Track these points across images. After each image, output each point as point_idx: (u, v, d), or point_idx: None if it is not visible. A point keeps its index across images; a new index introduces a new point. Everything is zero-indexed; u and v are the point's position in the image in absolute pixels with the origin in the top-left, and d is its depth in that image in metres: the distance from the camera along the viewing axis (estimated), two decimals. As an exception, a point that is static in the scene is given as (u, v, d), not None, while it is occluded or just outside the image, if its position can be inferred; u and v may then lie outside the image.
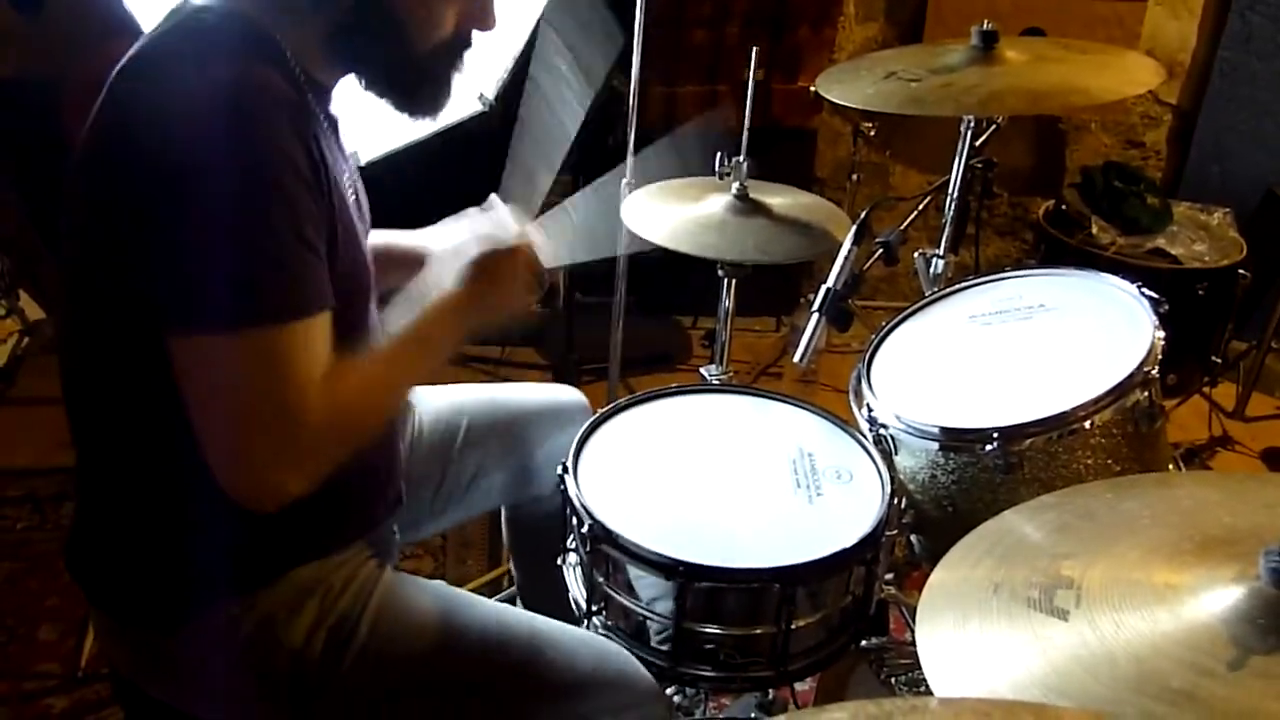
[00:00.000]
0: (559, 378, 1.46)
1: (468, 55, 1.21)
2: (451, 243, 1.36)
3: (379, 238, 1.41)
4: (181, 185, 0.98)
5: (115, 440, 1.14)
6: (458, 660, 1.21)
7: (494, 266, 1.28)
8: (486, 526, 2.35)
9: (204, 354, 1.01)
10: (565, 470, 1.36)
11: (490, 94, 1.88)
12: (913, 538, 1.58)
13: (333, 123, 1.19)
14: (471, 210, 1.44)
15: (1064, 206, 2.79)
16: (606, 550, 1.28)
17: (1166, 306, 1.44)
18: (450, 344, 1.24)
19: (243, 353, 1.00)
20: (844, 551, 1.25)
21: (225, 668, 1.17)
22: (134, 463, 1.14)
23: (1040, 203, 2.97)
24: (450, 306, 1.24)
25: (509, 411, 1.58)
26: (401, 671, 1.20)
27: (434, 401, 1.54)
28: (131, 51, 1.07)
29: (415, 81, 1.19)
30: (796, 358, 1.48)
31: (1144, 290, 1.49)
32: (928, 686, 0.85)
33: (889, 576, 1.55)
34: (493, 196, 1.42)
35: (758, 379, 2.97)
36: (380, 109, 1.22)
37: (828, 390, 2.79)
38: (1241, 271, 2.59)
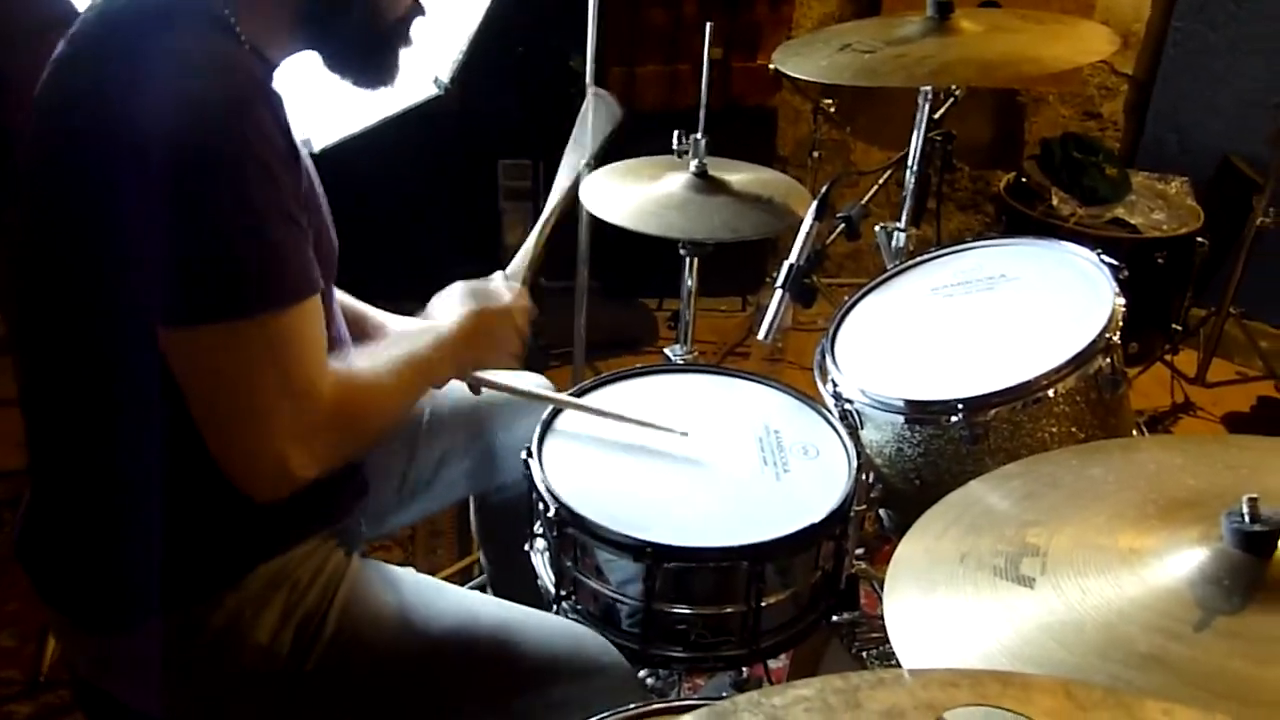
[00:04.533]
0: (525, 364, 1.44)
1: (419, 24, 1.21)
2: (447, 298, 1.38)
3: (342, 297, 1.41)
4: (161, 176, 0.96)
5: (72, 438, 1.12)
6: (427, 650, 1.20)
7: (489, 320, 1.32)
8: (455, 515, 2.33)
9: (205, 345, 1.00)
10: (529, 455, 1.34)
11: (445, 77, 1.86)
12: (881, 511, 1.58)
13: (279, 100, 1.16)
14: (458, 286, 1.43)
15: (1024, 179, 2.80)
16: (573, 534, 1.27)
17: (1126, 273, 1.45)
18: (443, 379, 1.30)
19: (244, 341, 1.00)
20: (812, 527, 1.24)
21: (189, 666, 1.15)
22: (90, 461, 1.12)
23: (1001, 175, 2.98)
24: (447, 347, 1.26)
25: (471, 398, 1.56)
26: (371, 663, 1.19)
27: None
28: (81, 32, 1.04)
29: (378, 55, 1.19)
30: (761, 334, 1.47)
31: (1103, 257, 1.49)
32: (897, 664, 0.85)
33: (859, 551, 1.55)
34: (497, 274, 1.47)
35: (724, 359, 2.96)
36: (327, 91, 1.21)
37: (795, 369, 2.79)
38: (1199, 239, 2.61)
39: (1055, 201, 2.70)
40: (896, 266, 1.70)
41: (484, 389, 1.43)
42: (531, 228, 1.55)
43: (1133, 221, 2.65)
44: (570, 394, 1.48)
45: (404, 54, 1.21)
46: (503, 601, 1.29)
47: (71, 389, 1.10)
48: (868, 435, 1.48)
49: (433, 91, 1.84)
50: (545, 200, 1.57)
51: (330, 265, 1.19)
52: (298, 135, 1.15)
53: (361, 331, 1.41)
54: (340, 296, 1.41)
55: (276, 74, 1.16)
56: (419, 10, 1.20)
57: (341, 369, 1.12)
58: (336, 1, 1.11)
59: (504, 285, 1.41)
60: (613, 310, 3.18)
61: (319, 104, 1.53)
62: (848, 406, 1.47)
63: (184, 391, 1.02)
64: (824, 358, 1.56)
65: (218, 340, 1.00)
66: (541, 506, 1.30)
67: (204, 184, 0.96)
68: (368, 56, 1.19)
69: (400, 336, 1.26)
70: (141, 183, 0.96)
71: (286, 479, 1.05)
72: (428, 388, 1.27)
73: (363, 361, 1.17)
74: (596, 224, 2.25)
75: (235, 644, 1.15)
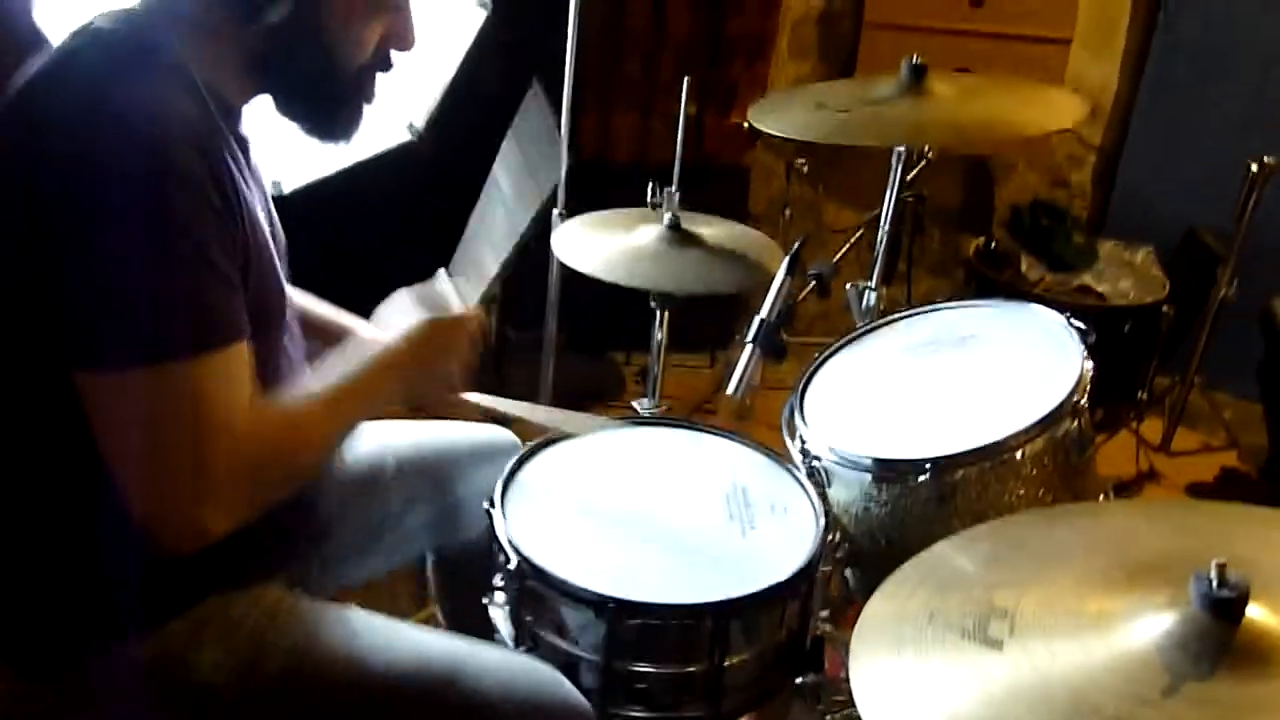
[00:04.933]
0: (489, 414, 1.44)
1: (383, 78, 1.20)
2: (394, 306, 1.34)
3: (299, 298, 1.39)
4: (83, 218, 0.96)
5: (4, 475, 1.10)
6: (376, 689, 1.17)
7: (439, 333, 1.27)
8: (414, 566, 2.29)
9: (114, 390, 0.99)
10: (492, 505, 1.33)
11: (419, 124, 1.87)
12: (847, 572, 1.57)
13: (243, 144, 1.16)
14: (403, 292, 1.41)
15: (994, 244, 2.85)
16: (534, 587, 1.25)
17: (1094, 336, 1.47)
18: (385, 402, 1.23)
19: (154, 388, 0.98)
20: (778, 585, 1.23)
21: (126, 707, 1.12)
22: (25, 497, 1.10)
23: (971, 240, 3.03)
24: (392, 364, 1.22)
25: (437, 450, 1.55)
26: (317, 704, 1.16)
27: (358, 439, 1.50)
28: (30, 75, 1.04)
29: (334, 105, 1.18)
30: (730, 389, 1.47)
31: (1072, 320, 1.51)
32: (865, 722, 0.84)
33: (824, 613, 1.54)
34: (440, 272, 1.42)
35: (692, 414, 2.95)
36: (298, 136, 1.20)
37: (763, 427, 2.78)
38: (1165, 308, 2.66)
39: (1024, 267, 2.75)
40: (867, 325, 1.72)
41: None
42: (500, 274, 1.53)
43: (1100, 289, 2.70)
44: (535, 445, 1.47)
45: (363, 108, 1.20)
46: (460, 638, 1.26)
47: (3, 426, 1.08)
48: (835, 493, 1.48)
49: (406, 138, 1.85)
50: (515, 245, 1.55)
51: (276, 314, 1.17)
52: (266, 178, 1.15)
53: (328, 339, 1.38)
54: (303, 305, 1.40)
55: (241, 117, 1.16)
56: (384, 66, 1.19)
57: (268, 408, 1.09)
58: (285, 50, 1.10)
59: (451, 291, 1.37)
60: (579, 363, 3.18)
61: (290, 146, 1.54)
62: (815, 464, 1.47)
63: (96, 437, 1.00)
64: (792, 414, 1.56)
65: (126, 386, 0.98)
66: (503, 558, 1.29)
67: (117, 227, 0.96)
68: (321, 107, 1.17)
69: (341, 359, 1.22)
70: (56, 223, 0.96)
71: (197, 534, 1.02)
72: (372, 412, 1.22)
73: (294, 396, 1.14)
74: (566, 276, 2.27)
75: (176, 681, 1.12)
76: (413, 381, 1.25)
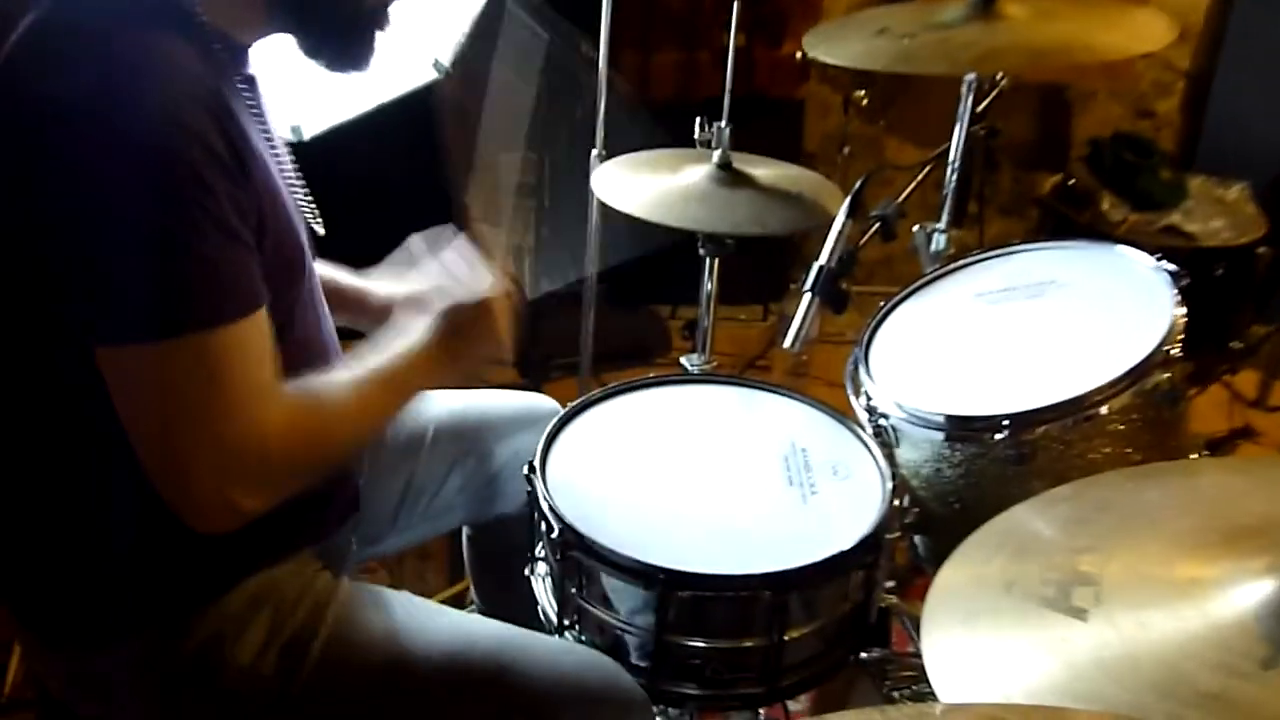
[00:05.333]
0: (524, 374, 1.45)
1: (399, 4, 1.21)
2: (407, 291, 1.36)
3: (326, 272, 1.41)
4: (88, 187, 0.97)
5: (38, 454, 1.13)
6: (420, 674, 1.20)
7: (464, 322, 1.28)
8: (447, 537, 2.33)
9: (134, 366, 1.01)
10: (532, 471, 1.34)
11: (446, 60, 1.87)
12: (916, 539, 1.57)
13: (251, 84, 1.17)
14: (415, 240, 1.42)
15: (1071, 181, 2.80)
16: (578, 558, 1.26)
17: (1187, 279, 1.44)
18: (421, 391, 1.26)
19: (169, 363, 1.00)
20: (841, 555, 1.23)
21: (167, 688, 1.16)
22: (59, 477, 1.13)
23: (1046, 178, 2.98)
24: (420, 357, 1.24)
25: (475, 417, 1.57)
26: (361, 688, 1.19)
27: None
28: (23, 30, 1.04)
29: (356, 38, 1.19)
30: (786, 342, 1.46)
31: (1162, 263, 1.49)
32: (934, 701, 0.84)
33: (890, 584, 1.54)
34: (439, 232, 1.43)
35: (744, 371, 2.96)
36: (313, 77, 1.21)
37: (821, 384, 2.78)
38: (1261, 250, 2.60)
39: (1105, 206, 2.70)
40: (936, 271, 1.70)
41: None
42: (530, 227, 1.54)
43: (1189, 229, 2.65)
44: (576, 407, 1.48)
45: (380, 36, 1.21)
46: (504, 624, 1.29)
47: (26, 405, 1.11)
48: (904, 454, 1.48)
49: (432, 75, 1.85)
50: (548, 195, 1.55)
51: (298, 272, 1.19)
52: (282, 122, 1.15)
53: (340, 303, 1.40)
54: (326, 274, 1.41)
55: (250, 57, 1.17)
56: None
57: (297, 392, 1.11)
58: None
59: (464, 255, 1.37)
60: (621, 318, 3.18)
61: (309, 88, 1.54)
62: (882, 422, 1.47)
63: (120, 415, 1.02)
64: (856, 369, 1.56)
65: (145, 361, 1.00)
66: (544, 527, 1.30)
67: (127, 195, 0.97)
68: (346, 39, 1.18)
69: (371, 348, 1.23)
70: (64, 193, 0.98)
71: (228, 512, 1.05)
72: (402, 404, 1.25)
73: (324, 381, 1.16)
74: (605, 224, 2.26)
75: (216, 665, 1.15)
76: (448, 372, 1.28)
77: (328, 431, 1.14)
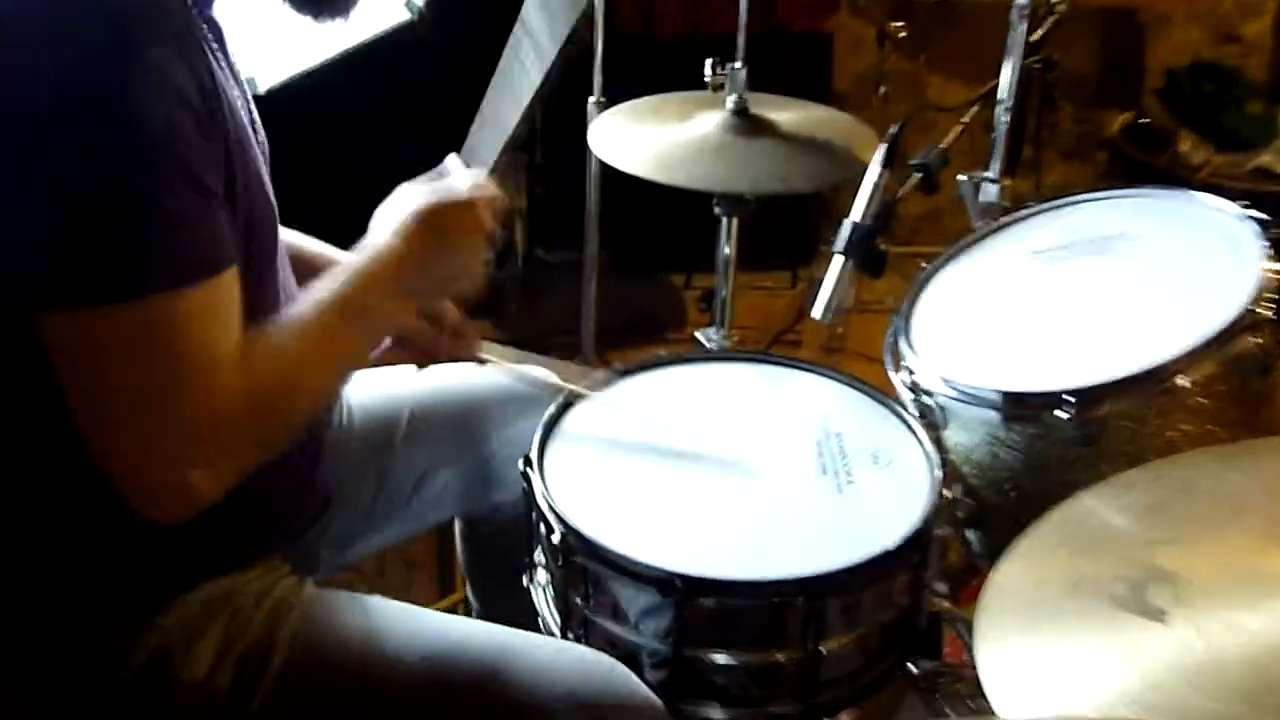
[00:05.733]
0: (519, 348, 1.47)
1: None
2: (396, 204, 1.35)
3: (290, 238, 1.41)
4: (49, 129, 0.98)
5: None
6: (395, 682, 1.21)
7: (441, 217, 1.26)
8: (434, 542, 2.34)
9: (86, 332, 1.02)
10: (529, 464, 1.34)
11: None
12: (969, 534, 1.57)
13: (217, 31, 1.18)
14: (406, 188, 1.42)
15: (1144, 119, 2.79)
16: (583, 563, 1.27)
17: (1278, 230, 1.44)
18: (388, 314, 1.24)
19: (127, 328, 1.01)
20: (884, 553, 1.24)
21: (111, 706, 1.17)
22: None
23: (1115, 116, 2.98)
24: (387, 265, 1.22)
25: (459, 398, 1.57)
26: (329, 699, 1.20)
27: (366, 388, 1.53)
28: None
29: None
30: (817, 312, 1.47)
31: (1249, 211, 1.48)
32: (992, 717, 0.84)
33: (942, 586, 1.55)
34: (450, 159, 1.41)
35: (771, 346, 2.96)
36: (280, 18, 1.22)
37: (859, 359, 2.79)
38: (1367, 193, 2.59)
39: (1184, 147, 2.69)
40: (987, 226, 1.70)
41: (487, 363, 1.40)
42: (523, 182, 1.55)
43: (1282, 171, 2.64)
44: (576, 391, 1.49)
45: None
46: (495, 626, 1.29)
47: None
48: (953, 437, 1.48)
49: (403, 16, 1.85)
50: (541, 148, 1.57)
51: (267, 231, 1.20)
52: (237, 74, 1.15)
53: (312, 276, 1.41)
54: (289, 241, 1.42)
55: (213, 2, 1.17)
56: None
57: (251, 346, 1.10)
58: None
59: (466, 176, 1.35)
60: (628, 287, 3.19)
61: (266, 34, 1.54)
62: (928, 401, 1.47)
63: (65, 389, 1.03)
64: (897, 340, 1.56)
65: (97, 326, 1.01)
66: (544, 528, 1.30)
67: (79, 138, 0.98)
68: None
69: (327, 275, 1.21)
70: (16, 140, 0.99)
71: (185, 496, 1.05)
72: (375, 332, 1.24)
73: (277, 325, 1.15)
74: (608, 180, 2.26)
75: (165, 680, 1.16)
76: (417, 282, 1.25)
77: (290, 385, 1.14)
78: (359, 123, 2.76)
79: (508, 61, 1.50)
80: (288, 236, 1.41)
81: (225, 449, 1.07)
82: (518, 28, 1.47)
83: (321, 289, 1.18)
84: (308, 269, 1.41)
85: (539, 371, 1.55)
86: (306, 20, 1.23)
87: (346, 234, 1.45)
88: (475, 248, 1.28)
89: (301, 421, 1.19)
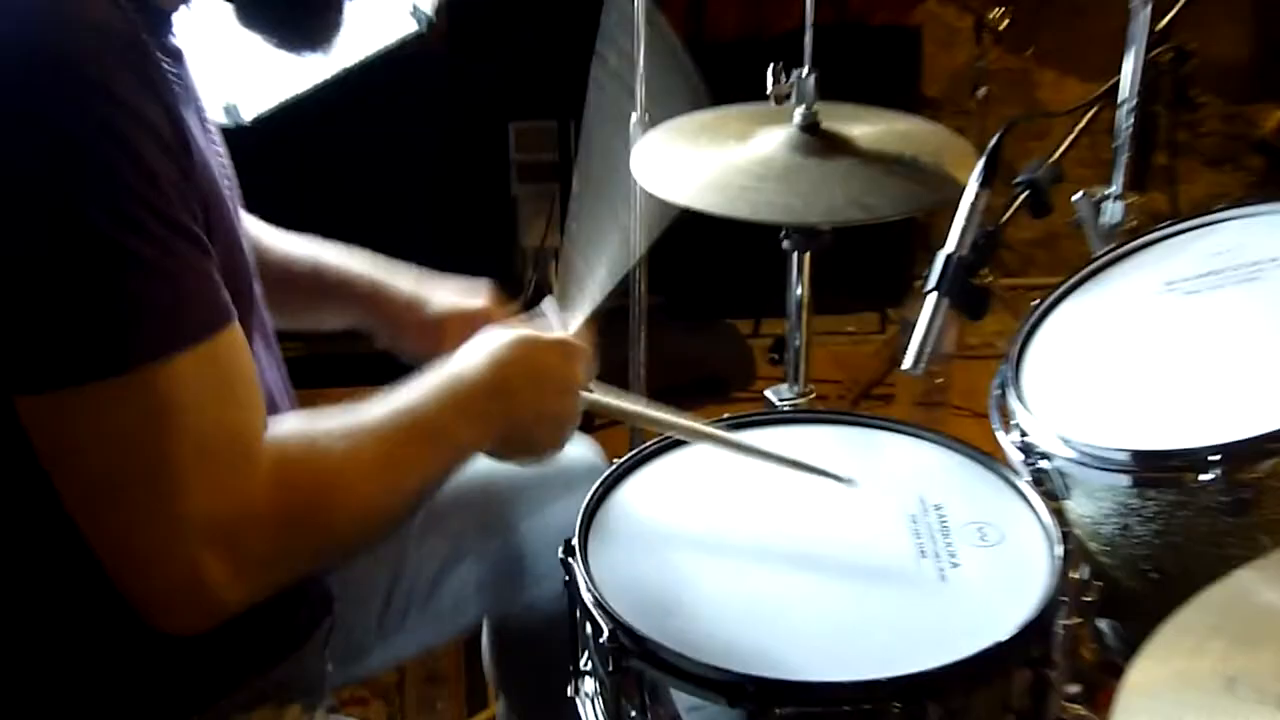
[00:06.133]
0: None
1: None
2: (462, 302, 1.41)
3: (283, 243, 1.46)
4: (6, 179, 1.00)
5: None
6: None
7: (540, 357, 1.31)
8: (460, 652, 2.35)
9: (66, 417, 1.03)
10: (569, 552, 1.36)
11: (427, 7, 1.91)
12: (1103, 624, 1.56)
13: (176, 58, 1.21)
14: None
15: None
16: (638, 667, 1.27)
17: None
18: (463, 443, 1.27)
19: (120, 406, 1.03)
20: (996, 647, 1.23)
21: None
22: None
23: (1269, 113, 2.96)
24: (472, 391, 1.26)
25: (485, 476, 1.58)
26: None
27: None
28: None
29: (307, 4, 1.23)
30: (908, 363, 1.47)
31: None
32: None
33: (1074, 688, 1.54)
34: (548, 301, 1.48)
35: (856, 404, 2.96)
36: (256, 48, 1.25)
37: (961, 418, 2.78)
38: None
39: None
40: (1110, 252, 1.70)
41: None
42: (556, 217, 1.57)
43: None
44: (628, 461, 1.50)
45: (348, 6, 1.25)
46: None
47: None
48: (1076, 508, 1.48)
49: (411, 28, 1.89)
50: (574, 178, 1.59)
51: (246, 284, 1.22)
52: (213, 102, 1.19)
53: (339, 294, 1.46)
54: (273, 246, 1.46)
55: (173, 26, 1.21)
56: None
57: (289, 433, 1.14)
58: None
59: (559, 320, 1.41)
60: (684, 338, 3.20)
61: (249, 56, 1.59)
62: (1044, 465, 1.47)
63: (55, 482, 1.05)
64: (1005, 393, 1.56)
65: (79, 409, 1.03)
66: (589, 628, 1.31)
67: (40, 183, 1.00)
68: (296, 7, 1.23)
69: (397, 389, 1.24)
70: None
71: (205, 597, 1.07)
72: (445, 461, 1.26)
73: (327, 422, 1.18)
74: (654, 210, 2.28)
75: None
76: (499, 421, 1.28)
77: (335, 491, 1.16)
78: (360, 149, 2.81)
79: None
80: (312, 251, 1.44)
81: (248, 548, 1.08)
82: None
83: (384, 401, 1.21)
84: (341, 291, 1.44)
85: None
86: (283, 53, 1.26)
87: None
88: (567, 402, 1.33)
89: (351, 537, 1.21)
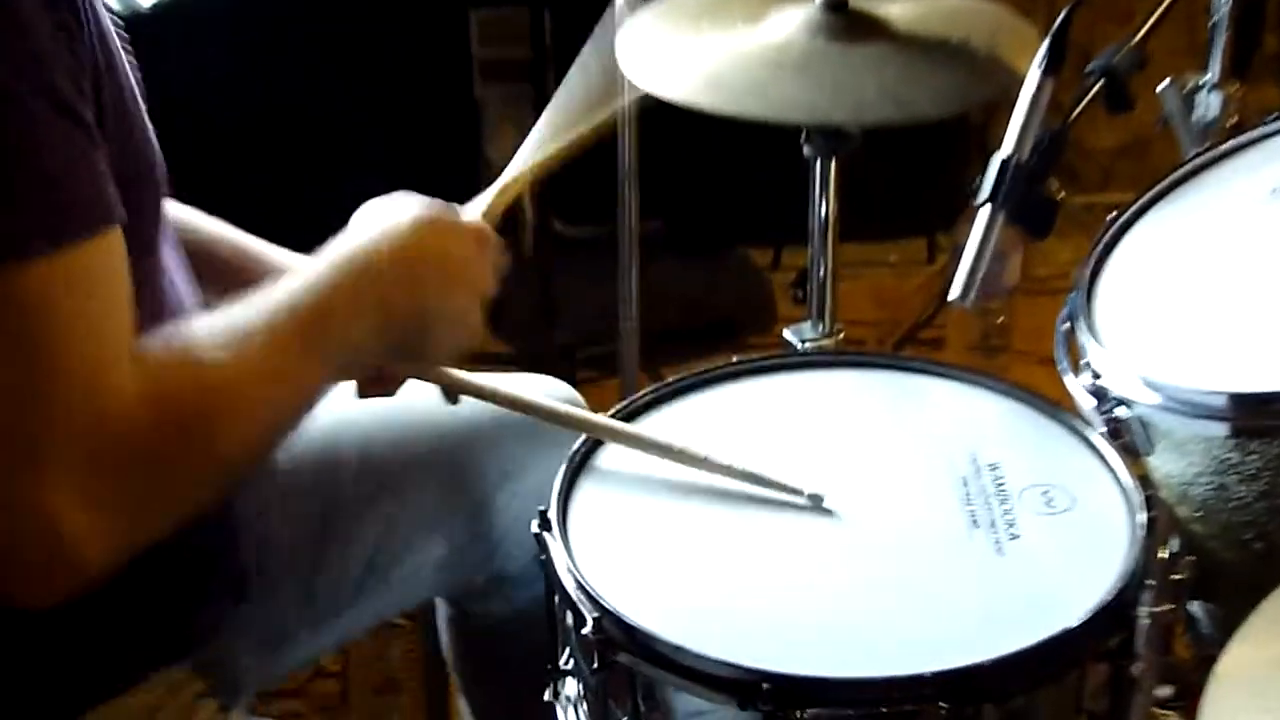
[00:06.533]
0: (535, 370, 1.46)
1: None
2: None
3: (186, 218, 1.46)
4: None
5: None
6: None
7: (446, 233, 1.31)
8: (420, 655, 2.36)
9: None
10: (545, 525, 1.36)
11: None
12: (1195, 607, 1.57)
13: None
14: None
15: None
16: (630, 664, 1.27)
17: None
18: (356, 341, 1.26)
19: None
20: (1065, 635, 1.23)
21: None
22: None
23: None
24: (365, 276, 1.25)
25: (439, 430, 1.59)
26: None
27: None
28: None
29: None
30: (954, 292, 1.47)
31: None
32: None
33: (1164, 690, 1.54)
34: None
35: (900, 347, 2.96)
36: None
37: (1026, 362, 2.78)
38: None
39: None
40: (1204, 153, 1.70)
41: (462, 396, 1.43)
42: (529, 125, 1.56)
43: None
44: (618, 413, 1.50)
45: None
46: None
47: None
48: (1162, 465, 1.48)
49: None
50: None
51: (153, 182, 1.23)
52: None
53: (225, 269, 1.45)
54: (198, 227, 1.46)
55: None
56: None
57: (160, 345, 1.13)
58: None
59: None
60: (687, 271, 3.20)
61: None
62: (1122, 414, 1.47)
63: None
64: (1074, 327, 1.55)
65: None
66: (570, 616, 1.32)
67: None
68: None
69: (277, 279, 1.24)
70: None
71: (60, 550, 1.05)
72: (334, 363, 1.25)
73: (202, 329, 1.18)
74: (650, 116, 2.27)
75: None
76: (400, 309, 1.28)
77: (212, 406, 1.15)
78: (293, 45, 2.80)
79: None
80: (181, 215, 1.43)
81: (116, 482, 1.07)
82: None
83: (267, 294, 1.20)
84: (213, 265, 1.44)
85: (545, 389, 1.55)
86: None
87: (276, 203, 1.48)
88: (478, 287, 1.32)
89: (230, 467, 1.20)
